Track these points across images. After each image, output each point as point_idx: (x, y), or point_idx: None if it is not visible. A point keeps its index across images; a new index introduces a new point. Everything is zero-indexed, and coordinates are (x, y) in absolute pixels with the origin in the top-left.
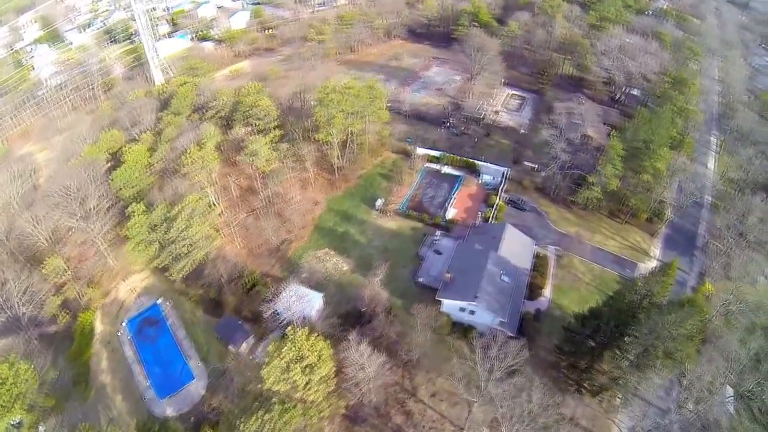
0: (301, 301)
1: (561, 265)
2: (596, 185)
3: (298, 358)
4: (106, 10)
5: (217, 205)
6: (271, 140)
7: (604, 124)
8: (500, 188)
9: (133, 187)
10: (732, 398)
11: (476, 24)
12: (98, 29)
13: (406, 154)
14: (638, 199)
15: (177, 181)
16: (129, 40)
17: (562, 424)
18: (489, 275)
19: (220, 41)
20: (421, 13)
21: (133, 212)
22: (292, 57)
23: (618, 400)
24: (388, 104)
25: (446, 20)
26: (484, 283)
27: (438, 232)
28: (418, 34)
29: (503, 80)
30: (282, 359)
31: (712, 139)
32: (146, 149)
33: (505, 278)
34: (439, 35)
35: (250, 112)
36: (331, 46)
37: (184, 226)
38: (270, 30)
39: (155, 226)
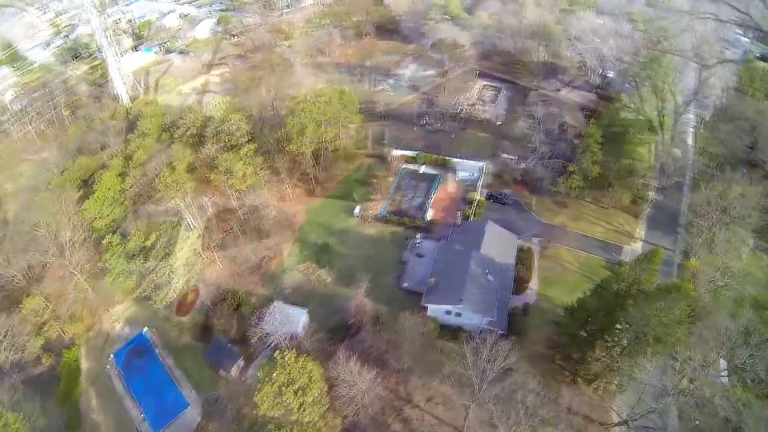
0: (287, 320)
1: (546, 256)
2: (577, 173)
3: (289, 381)
4: (69, 25)
5: (195, 227)
6: (245, 155)
7: (582, 110)
8: (478, 184)
9: (107, 216)
10: (726, 372)
11: (447, 17)
12: (61, 46)
13: (383, 157)
14: (621, 183)
15: (151, 206)
16: (93, 56)
17: (560, 417)
18: (472, 276)
19: (186, 52)
20: (392, 9)
21: (109, 244)
22: (262, 64)
23: (614, 386)
24: (362, 106)
25: (417, 15)
26: (469, 284)
27: (419, 235)
28: (389, 30)
29: (477, 72)
30: (273, 384)
31: (690, 116)
32: (117, 175)
33: (490, 277)
34: (410, 31)
35: (221, 128)
36: (301, 50)
37: (162, 255)
38: (236, 37)
39: (133, 256)
